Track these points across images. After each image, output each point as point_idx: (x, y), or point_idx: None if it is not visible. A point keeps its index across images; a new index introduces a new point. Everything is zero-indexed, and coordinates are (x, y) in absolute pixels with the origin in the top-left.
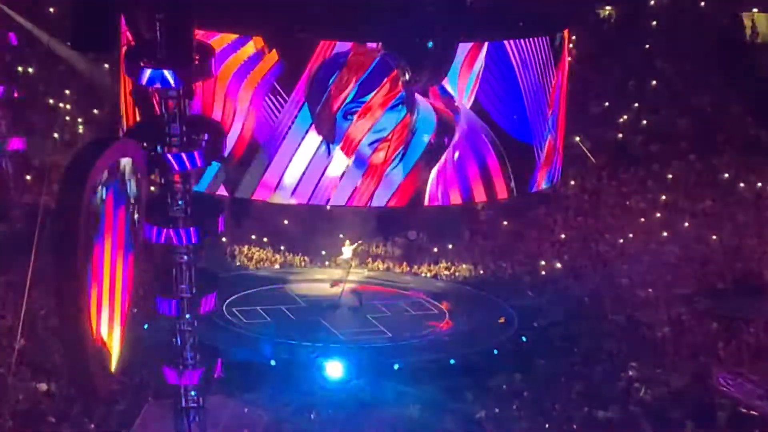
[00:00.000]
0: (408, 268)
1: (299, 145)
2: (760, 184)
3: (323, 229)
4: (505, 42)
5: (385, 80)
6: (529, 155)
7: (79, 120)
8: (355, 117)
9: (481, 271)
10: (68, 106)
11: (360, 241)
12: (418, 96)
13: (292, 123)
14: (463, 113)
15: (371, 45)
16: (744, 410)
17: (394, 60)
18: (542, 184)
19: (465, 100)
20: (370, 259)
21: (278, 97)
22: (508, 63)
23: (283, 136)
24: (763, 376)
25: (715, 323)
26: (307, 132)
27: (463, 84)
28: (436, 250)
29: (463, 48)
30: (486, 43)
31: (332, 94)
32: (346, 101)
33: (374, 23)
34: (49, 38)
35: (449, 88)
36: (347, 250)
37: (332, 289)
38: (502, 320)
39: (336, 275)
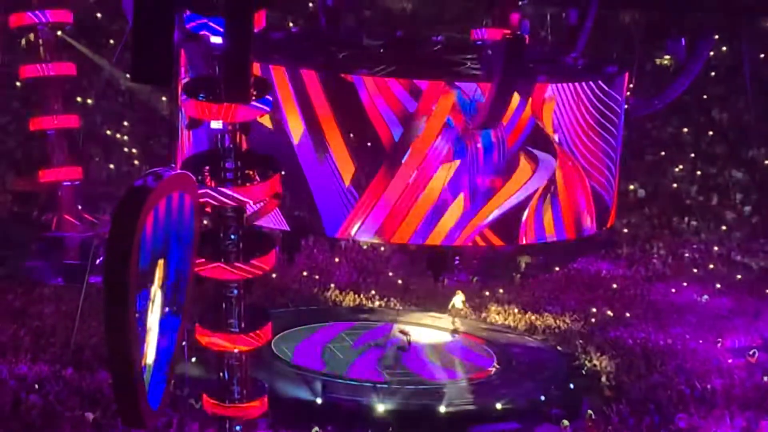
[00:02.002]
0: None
1: None
2: None
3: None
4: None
5: None
6: None
7: (134, 151)
8: None
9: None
10: (125, 137)
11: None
12: None
13: None
14: None
15: None
16: None
17: None
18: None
19: None
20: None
21: None
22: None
23: None
24: None
25: (765, 376)
26: None
27: None
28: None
29: None
30: None
31: None
32: None
33: None
34: (111, 68)
35: None
36: (458, 299)
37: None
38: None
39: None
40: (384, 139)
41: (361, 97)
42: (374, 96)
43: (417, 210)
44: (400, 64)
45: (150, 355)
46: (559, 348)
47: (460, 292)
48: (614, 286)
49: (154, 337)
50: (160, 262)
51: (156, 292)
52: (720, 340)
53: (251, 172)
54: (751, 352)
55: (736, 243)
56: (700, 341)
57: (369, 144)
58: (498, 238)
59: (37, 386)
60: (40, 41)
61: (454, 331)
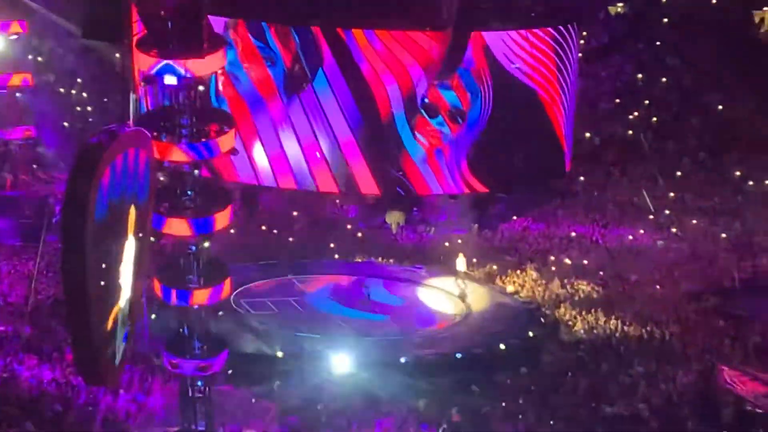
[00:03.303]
0: None
1: None
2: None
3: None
4: None
5: None
6: None
7: (89, 109)
8: None
9: (494, 267)
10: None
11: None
12: None
13: None
14: None
15: None
16: (750, 408)
17: None
18: None
19: None
20: None
21: None
22: None
23: None
24: None
25: (722, 321)
26: None
27: None
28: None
29: None
30: None
31: None
32: None
33: None
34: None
35: None
36: (460, 261)
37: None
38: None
39: None
40: None
41: None
42: None
43: None
44: None
45: (123, 307)
46: (517, 297)
47: (461, 254)
48: (572, 234)
49: (128, 288)
50: (131, 210)
51: (126, 243)
52: (676, 284)
53: (207, 128)
54: (705, 297)
55: (691, 188)
56: (657, 287)
57: None
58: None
59: None
60: None
61: (461, 295)
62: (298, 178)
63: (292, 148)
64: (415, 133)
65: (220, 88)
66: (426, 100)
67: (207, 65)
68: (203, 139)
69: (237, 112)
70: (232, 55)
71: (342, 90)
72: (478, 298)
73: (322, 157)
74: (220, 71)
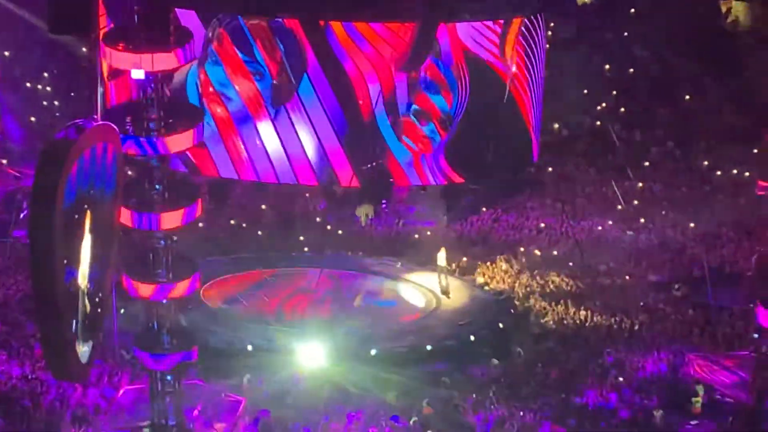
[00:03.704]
0: None
1: None
2: (735, 172)
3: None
4: None
5: None
6: None
7: (56, 103)
8: None
9: (464, 258)
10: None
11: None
12: None
13: None
14: None
15: None
16: (719, 397)
17: None
18: None
19: None
20: None
21: None
22: None
23: None
24: (737, 363)
25: (690, 310)
26: None
27: None
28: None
29: None
30: None
31: None
32: None
33: None
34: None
35: None
36: (441, 255)
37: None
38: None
39: None
40: None
41: None
42: None
43: None
44: None
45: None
46: (487, 288)
47: (443, 248)
48: (541, 225)
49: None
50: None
51: (84, 238)
52: (645, 275)
53: (174, 121)
54: (675, 287)
55: (659, 179)
56: (627, 277)
57: None
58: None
59: None
60: None
61: (444, 290)
62: (279, 172)
63: (273, 144)
64: (403, 137)
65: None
66: (416, 107)
67: (173, 59)
68: (154, 136)
69: (225, 130)
70: (222, 73)
71: (326, 93)
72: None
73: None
74: (202, 77)
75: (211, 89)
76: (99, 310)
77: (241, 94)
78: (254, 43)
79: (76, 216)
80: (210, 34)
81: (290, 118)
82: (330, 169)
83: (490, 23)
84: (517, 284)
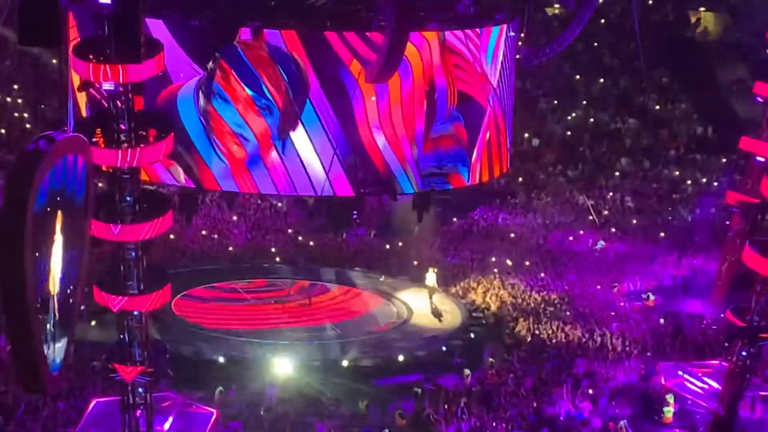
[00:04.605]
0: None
1: None
2: (705, 180)
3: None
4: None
5: None
6: None
7: (26, 115)
8: None
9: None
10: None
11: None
12: None
13: None
14: None
15: None
16: (689, 406)
17: None
18: None
19: None
20: None
21: None
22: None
23: None
24: (708, 372)
25: (662, 319)
26: None
27: None
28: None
29: None
30: None
31: None
32: None
33: None
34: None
35: None
36: (430, 276)
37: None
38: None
39: None
40: None
41: None
42: None
43: None
44: None
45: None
46: (459, 298)
47: (431, 269)
48: (512, 235)
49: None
50: (59, 213)
51: (54, 248)
52: (616, 284)
53: (145, 133)
54: (645, 296)
55: (630, 188)
56: (598, 287)
57: None
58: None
59: None
60: None
61: (435, 312)
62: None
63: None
64: None
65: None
66: None
67: (144, 70)
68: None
69: (237, 169)
70: (236, 113)
71: (326, 113)
72: (420, 300)
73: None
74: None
75: (227, 129)
76: (69, 318)
77: (255, 132)
78: (260, 77)
79: (47, 217)
80: (212, 65)
81: (295, 149)
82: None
83: (455, 34)
84: (489, 295)
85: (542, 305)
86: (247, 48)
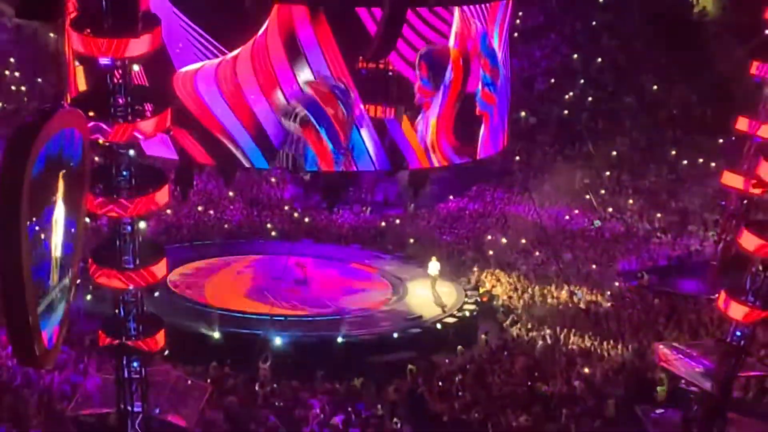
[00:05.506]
0: None
1: None
2: (701, 160)
3: None
4: None
5: None
6: None
7: (23, 89)
8: None
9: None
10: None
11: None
12: None
13: None
14: None
15: None
16: (684, 385)
17: None
18: None
19: None
20: None
21: None
22: None
23: None
24: (702, 352)
25: (656, 299)
26: None
27: None
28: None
29: None
30: None
31: None
32: None
33: None
34: None
35: None
36: (433, 265)
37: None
38: None
39: None
40: None
41: None
42: None
43: None
44: None
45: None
46: (453, 276)
47: (434, 258)
48: (507, 214)
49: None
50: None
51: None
52: (611, 263)
53: (142, 107)
54: (639, 275)
55: (626, 168)
56: (593, 266)
57: None
58: None
59: None
60: None
61: (439, 304)
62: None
63: None
64: None
65: None
66: None
67: (141, 45)
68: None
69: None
70: None
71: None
72: (416, 279)
73: None
74: None
75: None
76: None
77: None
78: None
79: (47, 181)
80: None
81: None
82: None
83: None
84: (484, 275)
85: (538, 282)
86: None
